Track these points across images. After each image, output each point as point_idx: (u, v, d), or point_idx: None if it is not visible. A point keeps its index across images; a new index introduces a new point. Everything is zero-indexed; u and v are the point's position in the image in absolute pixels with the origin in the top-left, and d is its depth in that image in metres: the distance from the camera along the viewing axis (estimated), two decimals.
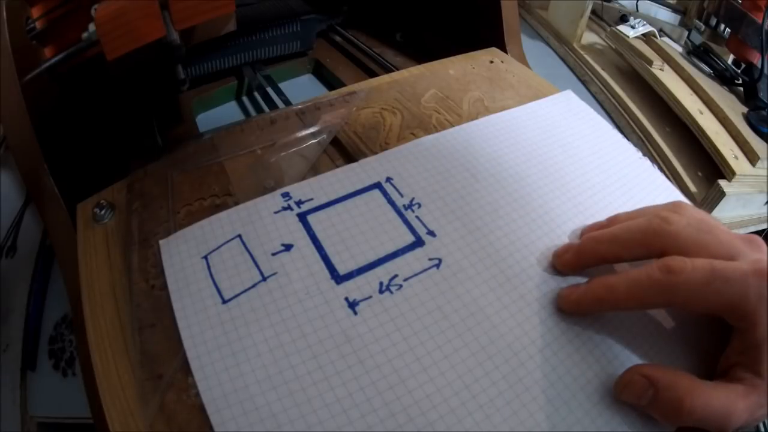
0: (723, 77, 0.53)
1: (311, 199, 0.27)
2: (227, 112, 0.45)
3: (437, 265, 0.24)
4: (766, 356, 0.19)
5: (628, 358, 0.22)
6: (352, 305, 0.23)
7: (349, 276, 0.24)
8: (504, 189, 0.28)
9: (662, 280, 0.20)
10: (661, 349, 0.22)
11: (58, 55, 0.27)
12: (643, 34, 0.55)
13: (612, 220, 0.25)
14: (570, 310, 0.23)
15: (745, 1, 0.51)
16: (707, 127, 0.44)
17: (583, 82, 0.55)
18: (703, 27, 0.61)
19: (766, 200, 0.44)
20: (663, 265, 0.20)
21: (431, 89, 0.36)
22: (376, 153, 0.30)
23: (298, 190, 0.27)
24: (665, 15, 0.69)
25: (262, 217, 0.26)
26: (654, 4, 0.69)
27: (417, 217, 0.26)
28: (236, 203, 0.27)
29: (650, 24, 0.56)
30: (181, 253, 0.25)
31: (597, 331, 0.22)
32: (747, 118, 0.47)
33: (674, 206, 0.23)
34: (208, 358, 0.21)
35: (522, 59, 0.42)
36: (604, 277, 0.22)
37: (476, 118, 0.33)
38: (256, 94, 0.46)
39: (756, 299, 0.19)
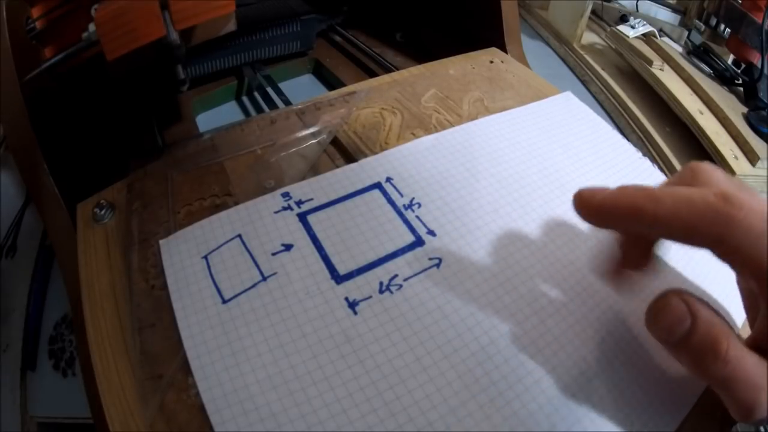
0: (723, 77, 0.53)
1: (311, 199, 0.27)
2: (227, 112, 0.45)
3: (437, 265, 0.24)
4: None
5: (628, 359, 0.22)
6: (352, 305, 0.23)
7: (349, 276, 0.24)
8: (504, 189, 0.28)
9: (721, 210, 0.16)
10: (667, 354, 0.22)
11: (58, 55, 0.26)
12: (643, 34, 0.55)
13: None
14: (587, 215, 0.19)
15: (745, 1, 0.51)
16: (707, 127, 0.44)
17: (583, 82, 0.55)
18: (703, 27, 0.61)
19: (765, 200, 0.44)
20: (724, 194, 0.16)
21: (431, 89, 0.36)
22: (376, 153, 0.30)
23: (298, 190, 0.27)
24: (665, 15, 0.69)
25: (262, 217, 0.26)
26: (654, 4, 0.69)
27: (417, 216, 0.26)
28: (236, 203, 0.27)
29: (650, 24, 0.56)
30: (181, 253, 0.25)
31: (597, 331, 0.22)
32: (747, 118, 0.47)
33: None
34: (208, 358, 0.21)
35: (522, 59, 0.42)
36: (643, 187, 0.18)
37: (476, 118, 0.33)
38: (256, 94, 0.46)
39: None
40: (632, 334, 0.23)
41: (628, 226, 0.19)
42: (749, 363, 0.16)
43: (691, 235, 0.17)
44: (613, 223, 0.19)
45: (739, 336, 0.17)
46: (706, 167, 0.19)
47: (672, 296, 0.17)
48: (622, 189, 0.18)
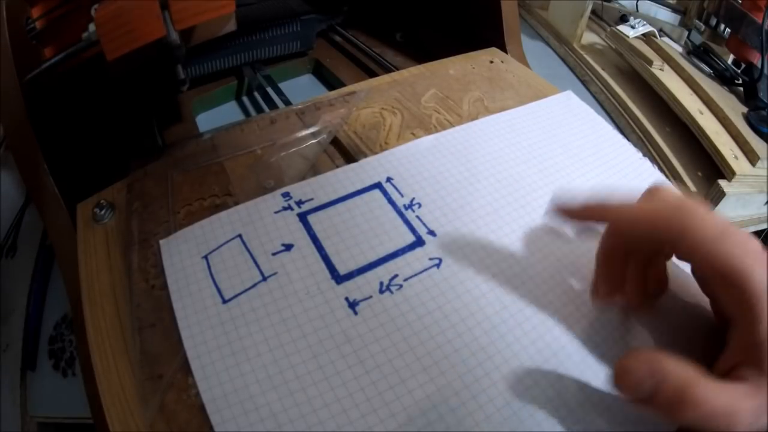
0: (723, 77, 0.53)
1: (311, 199, 0.27)
2: (227, 112, 0.45)
3: (437, 265, 0.24)
4: None
5: None
6: (353, 305, 0.23)
7: (350, 276, 0.24)
8: (504, 189, 0.28)
9: (679, 213, 0.19)
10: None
11: (58, 55, 0.26)
12: (643, 34, 0.55)
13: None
14: (567, 212, 0.22)
15: (745, 1, 0.51)
16: (707, 127, 0.44)
17: (583, 82, 0.55)
18: (703, 27, 0.61)
19: (766, 200, 0.44)
20: (678, 202, 0.19)
21: (431, 89, 0.36)
22: (376, 153, 0.30)
23: (299, 190, 0.27)
24: (665, 15, 0.69)
25: (262, 217, 0.26)
26: (654, 4, 0.69)
27: (417, 216, 0.26)
28: (236, 203, 0.27)
29: (650, 24, 0.56)
30: (182, 253, 0.25)
31: (598, 331, 0.22)
32: (747, 118, 0.47)
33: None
34: (208, 358, 0.21)
35: (522, 59, 0.42)
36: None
37: (476, 118, 0.33)
38: (256, 94, 0.46)
39: (763, 283, 0.17)
40: (633, 334, 0.23)
41: (596, 221, 0.22)
42: (720, 398, 0.17)
43: (655, 235, 0.20)
44: (588, 217, 0.22)
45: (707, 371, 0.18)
46: (665, 188, 0.21)
47: (633, 358, 0.18)
48: (592, 194, 0.22)
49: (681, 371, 0.18)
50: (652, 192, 0.21)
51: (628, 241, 0.22)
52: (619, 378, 0.18)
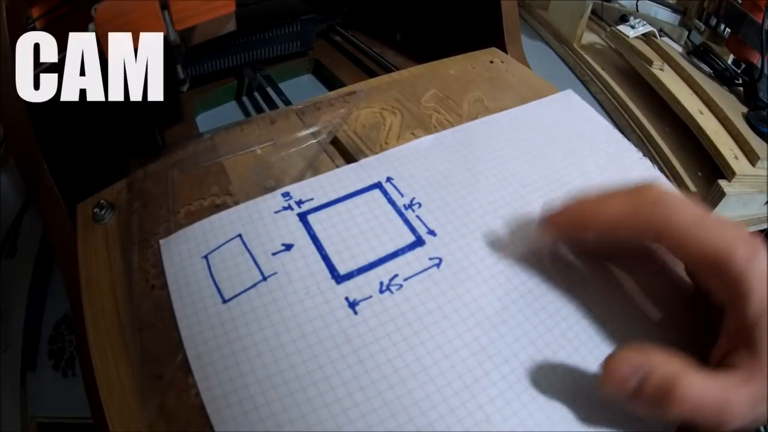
0: (723, 77, 0.53)
1: (311, 199, 0.27)
2: (227, 112, 0.45)
3: (438, 265, 0.24)
4: (764, 332, 0.17)
5: None
6: (353, 305, 0.23)
7: (350, 276, 0.24)
8: (504, 189, 0.28)
9: (655, 205, 0.19)
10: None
11: (58, 55, 0.26)
12: (643, 34, 0.55)
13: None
14: (551, 229, 0.22)
15: (745, 1, 0.51)
16: (707, 127, 0.44)
17: (583, 82, 0.55)
18: (703, 27, 0.61)
19: (766, 200, 0.44)
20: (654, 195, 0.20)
21: (431, 89, 0.36)
22: (376, 153, 0.30)
23: (299, 189, 0.27)
24: (665, 15, 0.69)
25: (262, 217, 0.26)
26: (654, 4, 0.69)
27: (417, 216, 0.26)
28: (236, 203, 0.27)
29: (650, 24, 0.56)
30: (182, 252, 0.25)
31: (598, 331, 0.22)
32: (747, 118, 0.47)
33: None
34: (208, 358, 0.21)
35: (522, 59, 0.42)
36: (593, 198, 0.21)
37: (476, 118, 0.33)
38: (256, 94, 0.46)
39: (745, 261, 0.18)
40: (633, 334, 0.23)
41: (582, 234, 0.22)
42: (710, 389, 0.17)
43: (636, 231, 0.20)
44: (572, 232, 0.22)
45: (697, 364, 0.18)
46: (643, 185, 0.21)
47: (618, 355, 0.18)
48: (576, 204, 0.22)
49: (667, 364, 0.17)
50: (633, 191, 0.21)
51: (613, 242, 0.22)
52: (605, 377, 0.18)
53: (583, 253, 0.24)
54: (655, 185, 0.20)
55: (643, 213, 0.20)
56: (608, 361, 0.18)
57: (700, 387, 0.17)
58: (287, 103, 0.42)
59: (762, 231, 0.46)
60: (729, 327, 0.19)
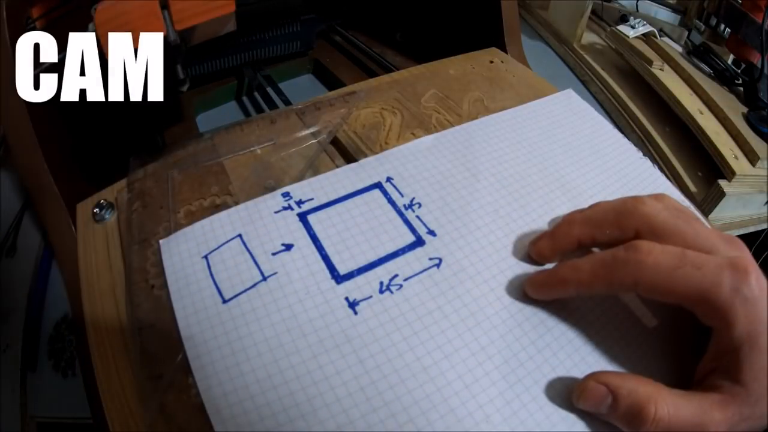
0: (723, 77, 0.53)
1: (311, 199, 0.27)
2: (227, 112, 0.45)
3: (437, 265, 0.24)
4: (745, 360, 0.17)
5: (629, 359, 0.22)
6: (353, 305, 0.23)
7: (350, 276, 0.24)
8: (504, 189, 0.28)
9: (629, 259, 0.19)
10: (667, 354, 0.22)
11: (58, 55, 0.26)
12: (643, 34, 0.55)
13: (592, 206, 0.24)
14: (536, 294, 0.22)
15: (745, 1, 0.51)
16: (707, 127, 0.44)
17: (583, 82, 0.55)
18: (703, 27, 0.61)
19: (766, 200, 0.44)
20: (630, 244, 0.19)
21: (431, 89, 0.36)
22: (376, 153, 0.30)
23: (299, 189, 0.27)
24: (665, 15, 0.69)
25: (262, 217, 0.26)
26: (654, 4, 0.69)
27: (417, 216, 0.26)
28: (236, 203, 0.27)
29: (650, 24, 0.56)
30: (182, 252, 0.25)
31: (597, 331, 0.22)
32: (747, 118, 0.47)
33: (656, 195, 0.22)
34: (208, 358, 0.21)
35: (522, 59, 0.42)
36: (570, 260, 0.21)
37: (476, 118, 0.33)
38: (256, 94, 0.46)
39: (730, 293, 0.17)
40: (632, 333, 0.23)
41: (566, 295, 0.22)
42: (684, 411, 0.17)
43: (613, 287, 0.20)
44: (556, 295, 0.22)
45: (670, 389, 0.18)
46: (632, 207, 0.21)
47: (588, 381, 0.19)
48: (554, 268, 0.22)
49: (642, 386, 0.18)
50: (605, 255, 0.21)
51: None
52: (577, 401, 0.19)
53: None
54: (631, 244, 0.20)
55: (619, 262, 0.19)
56: (579, 385, 0.20)
57: (674, 408, 0.17)
58: (287, 103, 0.42)
59: (762, 231, 0.46)
60: (713, 349, 0.19)
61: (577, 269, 0.21)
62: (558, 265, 0.22)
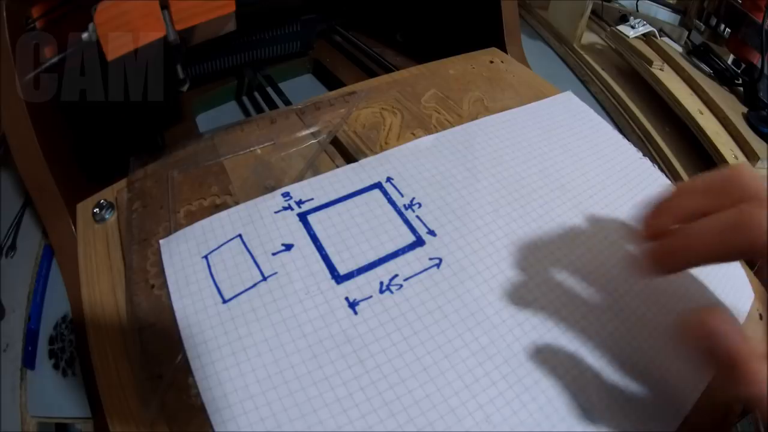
0: (723, 77, 0.53)
1: (311, 199, 0.27)
2: (227, 112, 0.45)
3: (437, 265, 0.24)
4: None
5: (629, 359, 0.22)
6: (353, 305, 0.23)
7: (350, 276, 0.24)
8: (504, 189, 0.28)
9: (753, 217, 0.18)
10: (666, 354, 0.22)
11: (58, 54, 0.27)
12: (643, 34, 0.55)
13: (684, 183, 0.22)
14: (659, 267, 0.20)
15: (745, 1, 0.51)
16: (707, 127, 0.44)
17: (583, 82, 0.55)
18: (703, 27, 0.61)
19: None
20: (743, 208, 0.18)
21: (431, 89, 0.36)
22: (376, 153, 0.30)
23: (299, 189, 0.27)
24: (665, 15, 0.69)
25: (262, 217, 0.26)
26: (654, 4, 0.69)
27: (417, 216, 0.26)
28: (236, 203, 0.27)
29: (650, 24, 0.56)
30: (182, 252, 0.25)
31: (597, 332, 0.22)
32: (747, 118, 0.47)
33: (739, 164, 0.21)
34: (208, 358, 0.21)
35: (522, 59, 0.42)
36: (685, 229, 0.20)
37: (476, 118, 0.33)
38: (256, 94, 0.46)
39: None
40: (632, 334, 0.23)
41: (688, 265, 0.20)
42: None
43: (729, 254, 0.19)
44: (680, 265, 0.20)
45: None
46: (729, 176, 0.20)
47: (700, 314, 0.18)
48: (673, 239, 0.20)
49: (737, 343, 0.17)
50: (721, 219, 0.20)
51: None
52: (684, 332, 0.18)
53: None
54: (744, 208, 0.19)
55: (731, 226, 0.18)
56: (683, 319, 0.18)
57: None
58: (287, 103, 0.42)
59: None
60: None
61: (699, 236, 0.19)
62: (677, 234, 0.20)
